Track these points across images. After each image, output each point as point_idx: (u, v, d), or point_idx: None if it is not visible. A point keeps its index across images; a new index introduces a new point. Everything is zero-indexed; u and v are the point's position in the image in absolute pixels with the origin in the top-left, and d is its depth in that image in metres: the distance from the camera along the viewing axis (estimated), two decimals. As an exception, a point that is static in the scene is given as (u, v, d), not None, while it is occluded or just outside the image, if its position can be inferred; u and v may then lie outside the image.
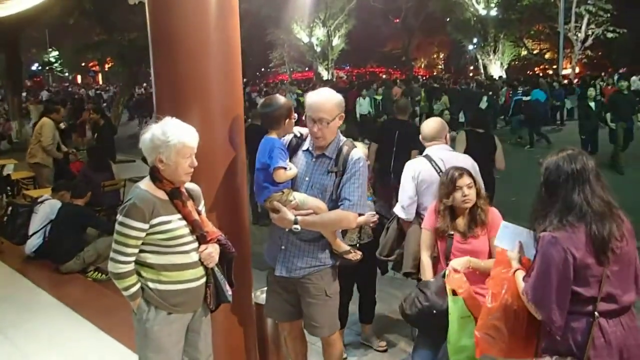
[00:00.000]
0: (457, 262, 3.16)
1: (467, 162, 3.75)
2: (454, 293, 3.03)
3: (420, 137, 3.97)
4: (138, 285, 2.66)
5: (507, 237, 2.75)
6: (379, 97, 18.13)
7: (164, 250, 2.65)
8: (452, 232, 3.31)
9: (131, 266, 2.63)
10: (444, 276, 3.15)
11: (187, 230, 2.69)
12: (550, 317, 2.27)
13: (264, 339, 3.59)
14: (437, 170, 3.67)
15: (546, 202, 2.40)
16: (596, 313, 2.27)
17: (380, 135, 6.82)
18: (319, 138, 2.98)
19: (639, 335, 2.36)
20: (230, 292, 2.85)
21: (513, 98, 16.67)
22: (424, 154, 3.88)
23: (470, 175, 3.31)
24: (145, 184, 2.67)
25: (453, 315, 2.99)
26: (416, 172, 3.76)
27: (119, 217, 2.60)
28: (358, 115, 17.36)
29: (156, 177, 2.66)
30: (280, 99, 3.07)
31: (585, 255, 2.26)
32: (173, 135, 2.58)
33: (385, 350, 4.45)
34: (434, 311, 3.08)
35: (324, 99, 2.97)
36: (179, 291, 2.69)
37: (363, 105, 17.54)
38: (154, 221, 2.59)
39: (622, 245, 2.31)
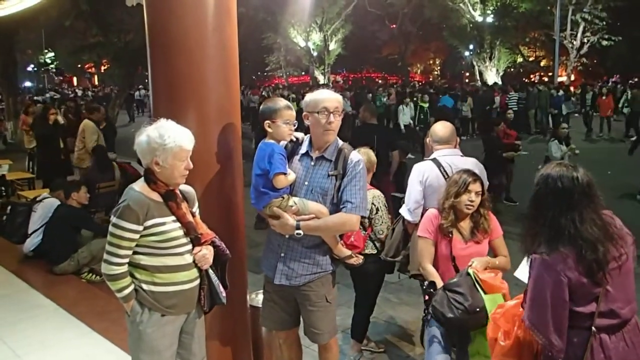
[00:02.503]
0: (479, 261, 3.18)
1: (475, 166, 3.78)
2: (485, 291, 3.04)
3: (429, 139, 3.97)
4: (132, 287, 2.65)
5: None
6: (425, 105, 16.24)
7: (157, 252, 2.65)
8: (452, 231, 3.33)
9: (124, 268, 2.63)
10: (467, 274, 3.13)
11: (181, 232, 2.69)
12: (551, 340, 2.20)
13: (258, 342, 3.59)
14: (444, 176, 3.63)
15: (535, 221, 2.30)
16: (593, 328, 2.21)
17: (358, 140, 6.86)
18: (331, 131, 2.97)
19: None
20: (224, 294, 2.85)
21: (437, 103, 16.72)
22: (431, 157, 3.84)
23: (482, 183, 3.33)
24: (140, 186, 2.67)
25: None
26: (424, 176, 3.73)
27: (113, 219, 2.60)
28: (402, 126, 15.91)
29: (150, 179, 2.66)
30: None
31: (579, 276, 2.18)
32: (170, 138, 2.59)
33: (384, 351, 4.50)
34: (477, 309, 3.04)
35: (333, 93, 3.03)
36: (172, 293, 2.70)
37: (407, 115, 15.73)
38: (148, 223, 2.60)
39: (621, 262, 2.23)
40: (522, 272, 3.05)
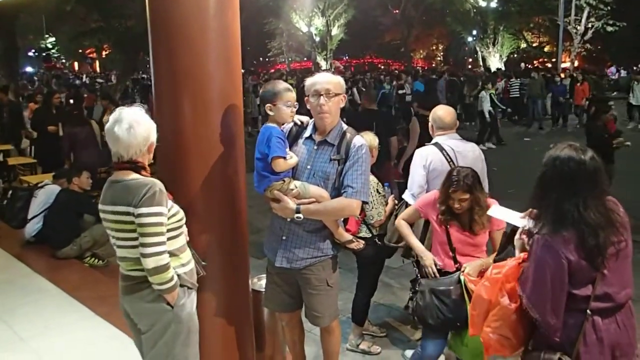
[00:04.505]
0: (472, 268, 3.22)
1: (475, 152, 3.77)
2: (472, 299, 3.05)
3: (430, 124, 3.98)
4: (175, 274, 2.63)
5: (504, 212, 2.87)
6: (492, 92, 14.99)
7: (177, 232, 2.68)
8: (449, 220, 3.34)
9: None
10: (459, 282, 3.18)
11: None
12: (547, 320, 2.22)
13: (260, 325, 3.61)
14: (447, 159, 3.69)
15: (539, 202, 2.29)
16: (588, 311, 2.23)
17: (358, 126, 6.84)
18: (324, 114, 2.94)
19: (633, 333, 2.31)
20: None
21: (380, 91, 16.37)
22: (433, 141, 3.88)
23: (470, 189, 3.23)
24: (144, 174, 2.64)
25: None
26: (427, 160, 3.77)
27: (148, 209, 2.49)
28: (487, 115, 14.01)
29: (141, 166, 2.64)
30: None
31: (579, 259, 2.19)
32: (151, 119, 2.67)
33: (385, 336, 4.53)
34: (458, 323, 3.12)
35: (329, 75, 3.03)
36: (194, 269, 2.77)
37: (488, 102, 14.01)
38: (169, 205, 2.63)
39: (620, 248, 2.23)
40: (496, 211, 3.00)
